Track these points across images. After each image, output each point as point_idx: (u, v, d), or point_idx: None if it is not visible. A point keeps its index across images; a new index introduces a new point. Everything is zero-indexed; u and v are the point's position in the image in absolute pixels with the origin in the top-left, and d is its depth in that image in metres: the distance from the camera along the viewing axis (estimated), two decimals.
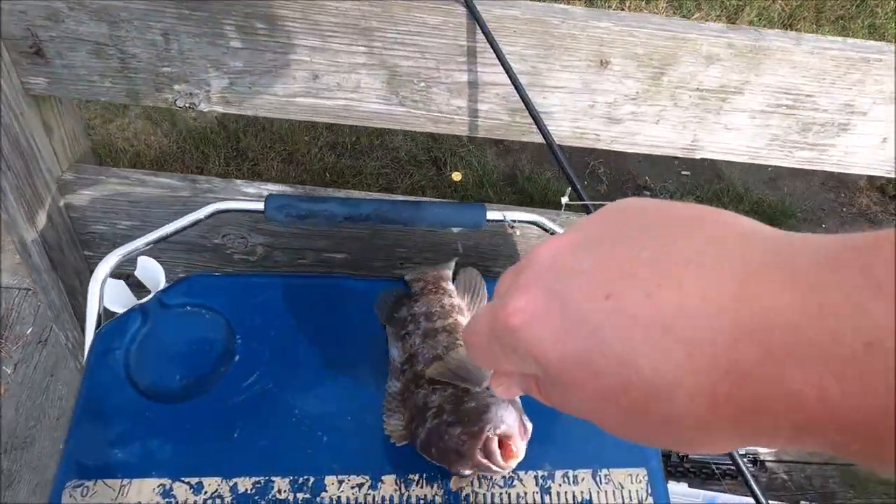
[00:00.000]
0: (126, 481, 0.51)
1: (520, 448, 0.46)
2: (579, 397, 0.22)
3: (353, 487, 0.52)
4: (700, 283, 0.18)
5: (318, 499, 0.51)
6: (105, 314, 0.62)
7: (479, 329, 0.27)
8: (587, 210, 0.67)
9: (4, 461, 1.24)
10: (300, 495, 0.51)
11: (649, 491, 0.55)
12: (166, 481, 0.51)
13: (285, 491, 0.52)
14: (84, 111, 1.81)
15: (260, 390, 0.56)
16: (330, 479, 0.52)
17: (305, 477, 0.52)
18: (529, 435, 0.48)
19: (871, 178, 2.09)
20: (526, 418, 0.49)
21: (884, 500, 0.99)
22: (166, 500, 0.50)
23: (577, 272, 0.22)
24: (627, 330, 0.19)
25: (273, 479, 0.52)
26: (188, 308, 0.60)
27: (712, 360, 0.18)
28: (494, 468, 0.46)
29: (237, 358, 0.57)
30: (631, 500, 0.54)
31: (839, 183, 2.07)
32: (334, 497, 0.52)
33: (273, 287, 0.61)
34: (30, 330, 1.45)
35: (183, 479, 0.51)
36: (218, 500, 0.51)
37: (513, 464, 0.46)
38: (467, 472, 0.48)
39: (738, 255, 0.19)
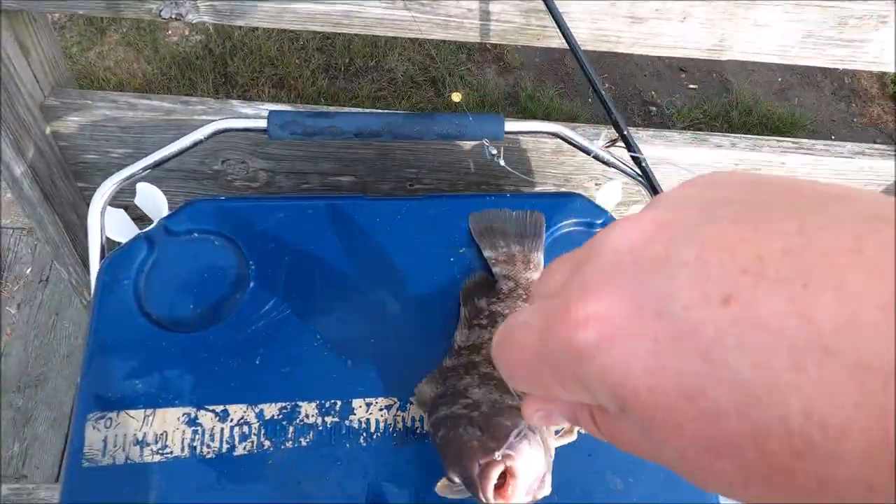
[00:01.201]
0: (149, 411, 0.49)
1: (516, 495, 0.38)
2: (678, 445, 0.15)
3: (381, 409, 0.51)
4: (872, 282, 0.13)
5: (346, 421, 0.51)
6: (108, 245, 0.59)
7: (522, 344, 0.19)
8: (609, 115, 0.63)
9: (19, 399, 1.25)
10: (328, 419, 0.51)
11: None
12: (191, 410, 0.50)
13: (313, 415, 0.51)
14: (59, 38, 1.71)
15: (278, 316, 0.54)
16: (357, 402, 0.51)
17: (332, 401, 0.51)
18: (536, 499, 0.40)
19: (882, 87, 2.02)
20: (549, 480, 0.41)
21: None
22: (192, 427, 0.49)
23: (675, 264, 0.15)
24: (764, 350, 0.13)
25: (300, 403, 0.51)
26: (195, 235, 0.57)
27: None
28: (480, 495, 0.38)
29: (252, 284, 0.55)
30: None
31: (850, 92, 2.00)
32: (363, 419, 0.51)
33: (283, 210, 0.58)
34: (29, 270, 1.42)
35: (207, 406, 0.50)
36: (245, 427, 0.50)
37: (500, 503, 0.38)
38: (456, 481, 0.41)
39: None
